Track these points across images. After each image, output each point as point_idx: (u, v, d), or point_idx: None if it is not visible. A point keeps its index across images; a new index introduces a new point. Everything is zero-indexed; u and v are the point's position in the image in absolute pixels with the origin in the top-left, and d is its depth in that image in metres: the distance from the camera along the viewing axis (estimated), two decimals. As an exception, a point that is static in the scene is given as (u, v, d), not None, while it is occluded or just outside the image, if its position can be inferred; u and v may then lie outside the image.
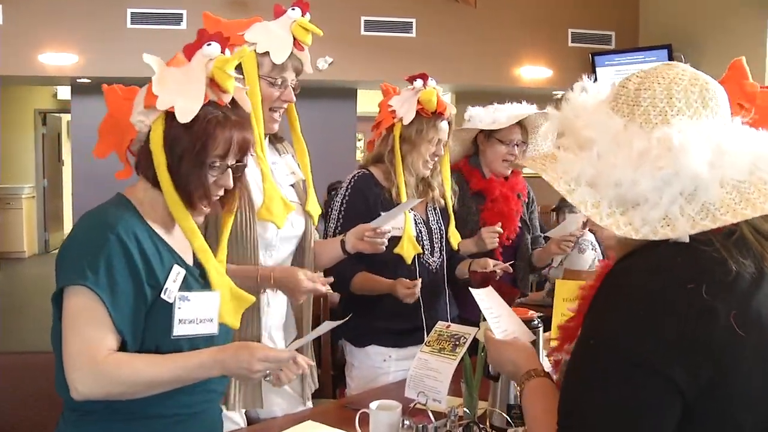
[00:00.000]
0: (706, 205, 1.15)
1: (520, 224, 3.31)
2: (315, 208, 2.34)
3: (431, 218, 2.89)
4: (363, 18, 7.87)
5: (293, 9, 2.14)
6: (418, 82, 2.72)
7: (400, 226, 2.69)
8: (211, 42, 1.67)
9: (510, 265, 2.93)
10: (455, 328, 2.18)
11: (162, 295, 1.63)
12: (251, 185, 2.15)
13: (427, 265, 2.81)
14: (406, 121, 2.71)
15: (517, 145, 3.21)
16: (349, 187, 2.76)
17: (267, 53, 2.11)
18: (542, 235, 3.55)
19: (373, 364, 2.74)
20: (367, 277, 2.68)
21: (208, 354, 1.62)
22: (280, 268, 2.19)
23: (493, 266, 2.87)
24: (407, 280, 2.61)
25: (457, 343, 2.09)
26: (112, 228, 1.58)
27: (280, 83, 2.15)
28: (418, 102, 2.70)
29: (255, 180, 2.16)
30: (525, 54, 8.65)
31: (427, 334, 2.75)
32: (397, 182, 2.73)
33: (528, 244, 3.37)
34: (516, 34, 8.48)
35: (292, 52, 2.13)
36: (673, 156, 1.14)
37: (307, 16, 2.15)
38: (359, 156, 10.69)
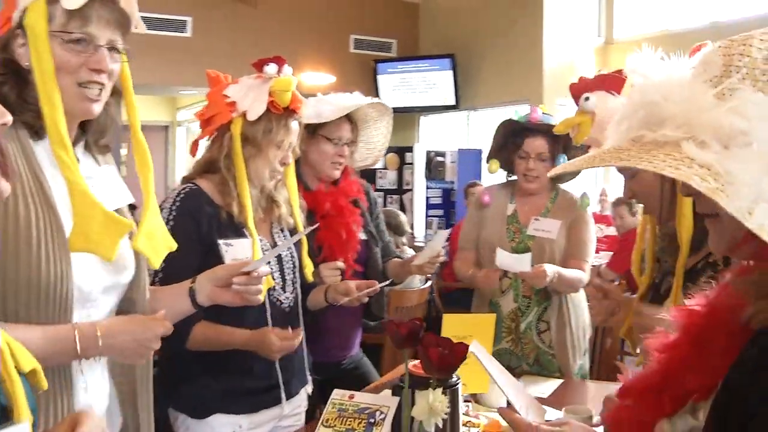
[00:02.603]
0: None
1: (365, 235, 2.77)
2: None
3: (280, 243, 2.25)
4: (130, 14, 6.97)
5: None
6: (271, 68, 2.08)
7: (248, 254, 2.05)
8: None
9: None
10: (362, 398, 1.58)
11: None
12: (59, 204, 1.40)
13: (278, 302, 2.17)
14: (252, 117, 2.05)
15: (347, 144, 2.65)
16: (174, 209, 2.04)
17: None
18: (391, 240, 3.06)
19: (219, 439, 2.05)
20: (213, 329, 1.99)
21: None
22: (112, 322, 1.47)
23: (357, 290, 2.35)
24: (280, 330, 1.98)
25: (372, 420, 1.49)
26: None
27: (83, 43, 1.41)
28: (270, 93, 2.07)
29: (63, 197, 1.41)
30: (307, 59, 8.24)
31: (285, 392, 2.16)
32: (239, 196, 2.07)
33: (378, 259, 2.83)
34: (298, 38, 8.05)
35: None
36: None
37: None
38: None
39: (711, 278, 1.69)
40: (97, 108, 1.45)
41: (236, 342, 2.00)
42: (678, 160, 0.81)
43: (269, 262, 1.98)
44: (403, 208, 9.05)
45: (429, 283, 4.76)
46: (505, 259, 2.79)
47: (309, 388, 2.32)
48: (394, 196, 9.47)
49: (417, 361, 1.66)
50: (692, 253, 1.77)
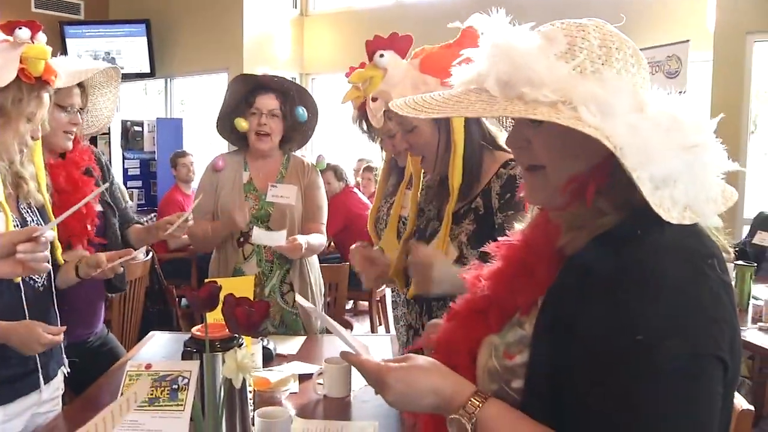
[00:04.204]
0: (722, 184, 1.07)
1: (101, 207, 2.69)
2: None
3: (29, 220, 2.12)
4: None
5: None
6: (24, 32, 1.95)
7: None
8: None
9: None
10: (161, 366, 1.60)
11: None
12: None
13: (32, 282, 2.06)
14: (0, 83, 1.91)
15: (79, 112, 2.55)
16: None
17: None
18: (129, 205, 2.99)
19: (-28, 434, 1.91)
20: None
21: None
22: None
23: (108, 261, 2.30)
24: (46, 325, 1.88)
25: (176, 386, 1.53)
26: None
27: None
28: (21, 60, 1.93)
29: None
30: (-19, 17, 7.41)
31: (43, 376, 2.06)
32: None
33: (117, 230, 2.77)
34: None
35: None
36: (697, 130, 1.01)
37: None
38: None
39: (474, 220, 1.95)
40: None
41: None
42: (570, 119, 0.95)
43: (54, 228, 1.87)
44: (98, 181, 8.59)
45: (150, 254, 4.66)
46: (260, 235, 2.90)
47: (65, 369, 2.24)
48: (87, 168, 8.94)
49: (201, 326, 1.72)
50: (459, 200, 2.00)
